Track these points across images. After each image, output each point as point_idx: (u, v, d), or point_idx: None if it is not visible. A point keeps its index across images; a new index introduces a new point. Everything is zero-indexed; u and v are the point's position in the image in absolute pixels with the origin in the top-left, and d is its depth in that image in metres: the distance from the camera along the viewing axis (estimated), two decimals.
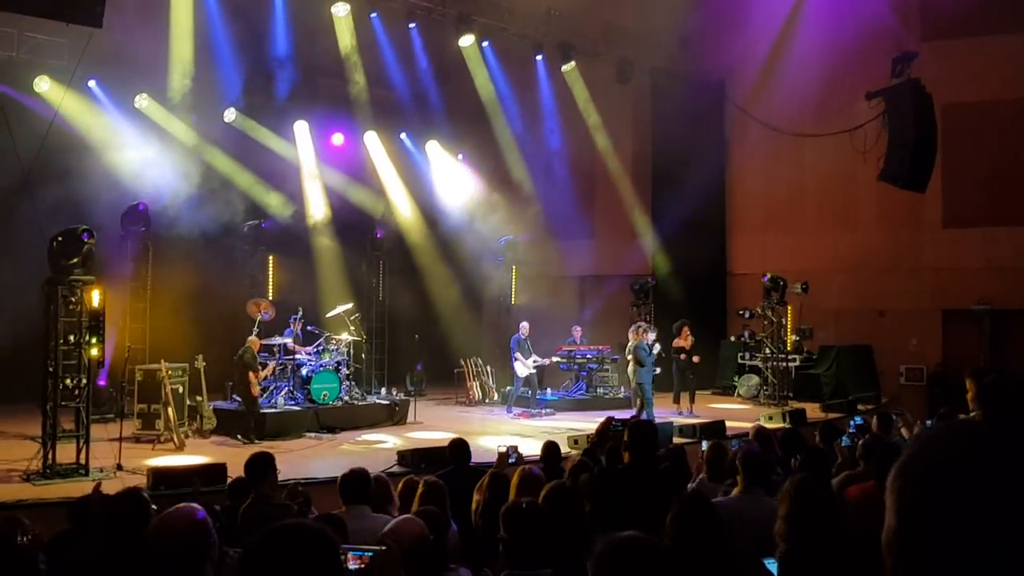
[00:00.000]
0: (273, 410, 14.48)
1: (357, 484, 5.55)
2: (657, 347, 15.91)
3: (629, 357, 17.18)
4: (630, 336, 17.23)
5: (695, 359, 17.38)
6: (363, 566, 3.03)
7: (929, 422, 11.53)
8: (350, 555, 3.02)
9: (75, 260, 10.79)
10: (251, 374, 13.74)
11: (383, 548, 3.13)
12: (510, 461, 7.05)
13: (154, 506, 5.05)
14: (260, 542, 1.99)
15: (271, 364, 14.90)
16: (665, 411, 16.63)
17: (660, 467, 6.60)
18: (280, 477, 7.74)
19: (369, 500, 5.56)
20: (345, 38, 18.14)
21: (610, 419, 7.18)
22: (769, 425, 12.45)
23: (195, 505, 3.33)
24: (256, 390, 13.84)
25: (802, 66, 20.29)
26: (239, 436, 13.55)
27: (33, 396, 11.78)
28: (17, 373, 13.14)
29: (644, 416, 14.66)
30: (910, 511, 1.30)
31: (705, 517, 3.80)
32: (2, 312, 13.66)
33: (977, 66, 19.94)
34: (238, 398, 14.25)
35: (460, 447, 7.78)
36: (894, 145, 15.87)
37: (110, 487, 9.40)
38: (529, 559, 3.80)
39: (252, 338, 14.49)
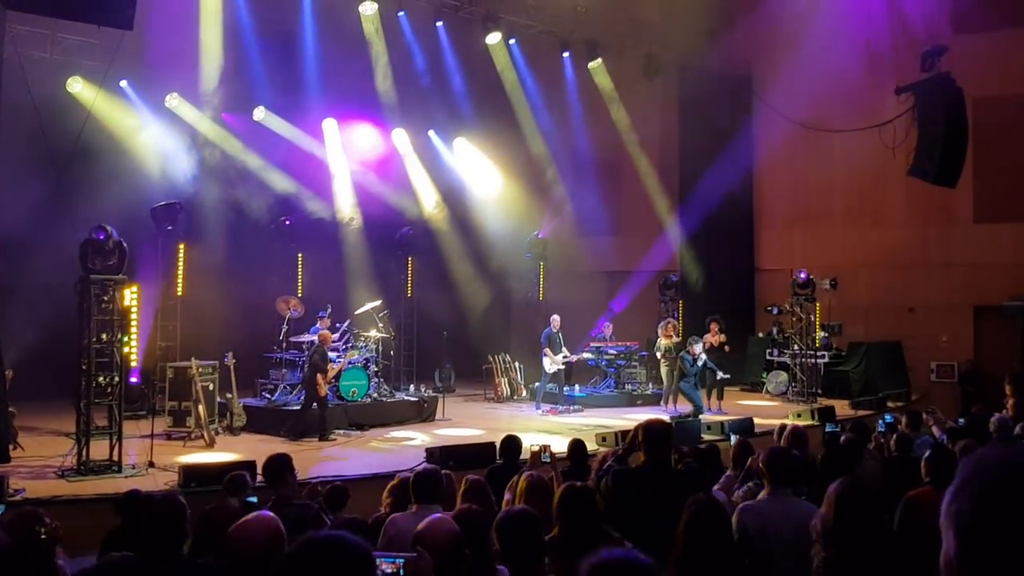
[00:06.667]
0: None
1: (429, 484, 5.57)
2: (703, 359, 15.92)
3: (658, 355, 17.17)
4: (659, 332, 17.23)
5: (726, 348, 17.36)
6: (394, 571, 3.08)
7: (961, 420, 11.47)
8: (382, 562, 3.07)
9: (107, 259, 10.92)
10: (319, 376, 13.75)
11: (414, 555, 3.17)
12: (543, 460, 7.06)
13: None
14: (297, 551, 2.02)
15: (339, 364, 14.82)
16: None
17: (685, 467, 6.59)
18: (311, 475, 7.81)
19: (441, 499, 5.60)
20: (373, 36, 18.22)
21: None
22: (799, 422, 12.43)
23: (270, 513, 3.38)
24: (323, 391, 13.78)
25: (830, 60, 20.10)
26: (284, 433, 13.64)
27: (67, 393, 11.93)
28: (51, 370, 13.30)
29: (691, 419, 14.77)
30: (971, 534, 1.29)
31: (715, 529, 3.78)
32: (37, 310, 13.84)
33: (1009, 59, 19.74)
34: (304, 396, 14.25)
35: (511, 443, 7.82)
36: (924, 140, 15.71)
37: (143, 484, 9.55)
38: (527, 569, 3.77)
39: (324, 332, 14.54)
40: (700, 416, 15.16)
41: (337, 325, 16.10)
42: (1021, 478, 1.28)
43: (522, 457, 8.21)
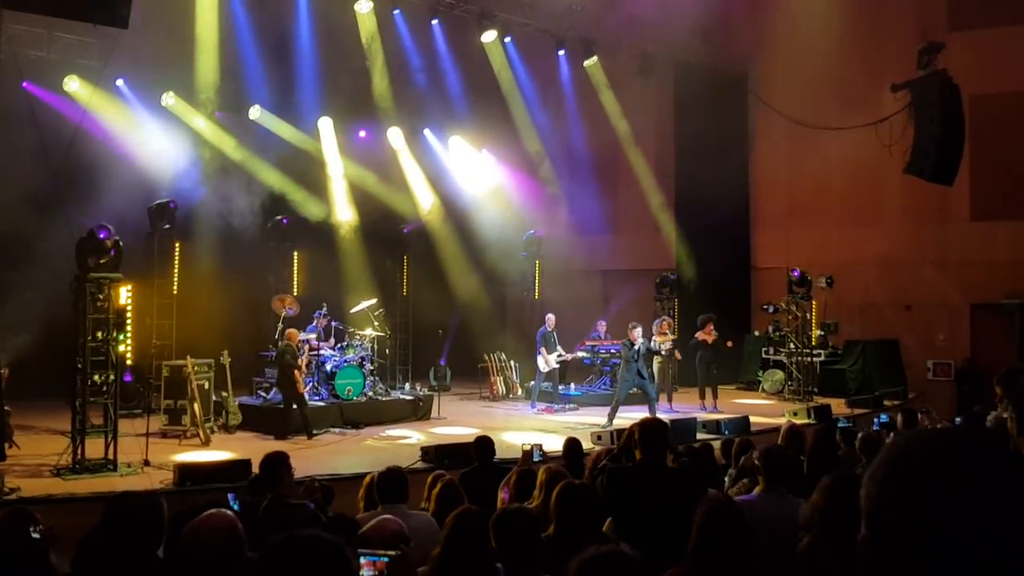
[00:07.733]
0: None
1: (394, 483, 5.54)
2: (640, 343, 15.18)
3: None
4: (654, 330, 17.20)
5: (728, 344, 17.25)
6: (377, 573, 3.05)
7: (957, 419, 11.47)
8: (364, 560, 3.04)
9: (102, 258, 10.89)
10: (295, 372, 13.71)
11: (398, 553, 3.14)
12: (535, 459, 7.06)
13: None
14: (271, 551, 2.01)
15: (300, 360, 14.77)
16: (689, 406, 16.62)
17: (679, 465, 6.58)
18: (303, 473, 7.77)
19: (406, 498, 5.57)
20: (368, 34, 18.20)
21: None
22: (796, 421, 12.43)
23: (227, 511, 3.35)
24: (301, 388, 13.78)
25: (826, 58, 20.11)
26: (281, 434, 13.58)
27: (62, 392, 11.91)
28: (47, 369, 13.28)
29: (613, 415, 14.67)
30: (874, 519, 1.29)
31: (732, 527, 3.75)
32: (32, 309, 13.80)
33: (1006, 56, 19.75)
34: (282, 396, 14.15)
35: (485, 444, 7.80)
36: (921, 138, 15.72)
37: (138, 482, 9.55)
38: (526, 568, 3.75)
39: (291, 330, 14.49)
40: (656, 406, 15.00)
41: (333, 324, 16.09)
42: (925, 462, 1.27)
43: (507, 457, 8.18)
